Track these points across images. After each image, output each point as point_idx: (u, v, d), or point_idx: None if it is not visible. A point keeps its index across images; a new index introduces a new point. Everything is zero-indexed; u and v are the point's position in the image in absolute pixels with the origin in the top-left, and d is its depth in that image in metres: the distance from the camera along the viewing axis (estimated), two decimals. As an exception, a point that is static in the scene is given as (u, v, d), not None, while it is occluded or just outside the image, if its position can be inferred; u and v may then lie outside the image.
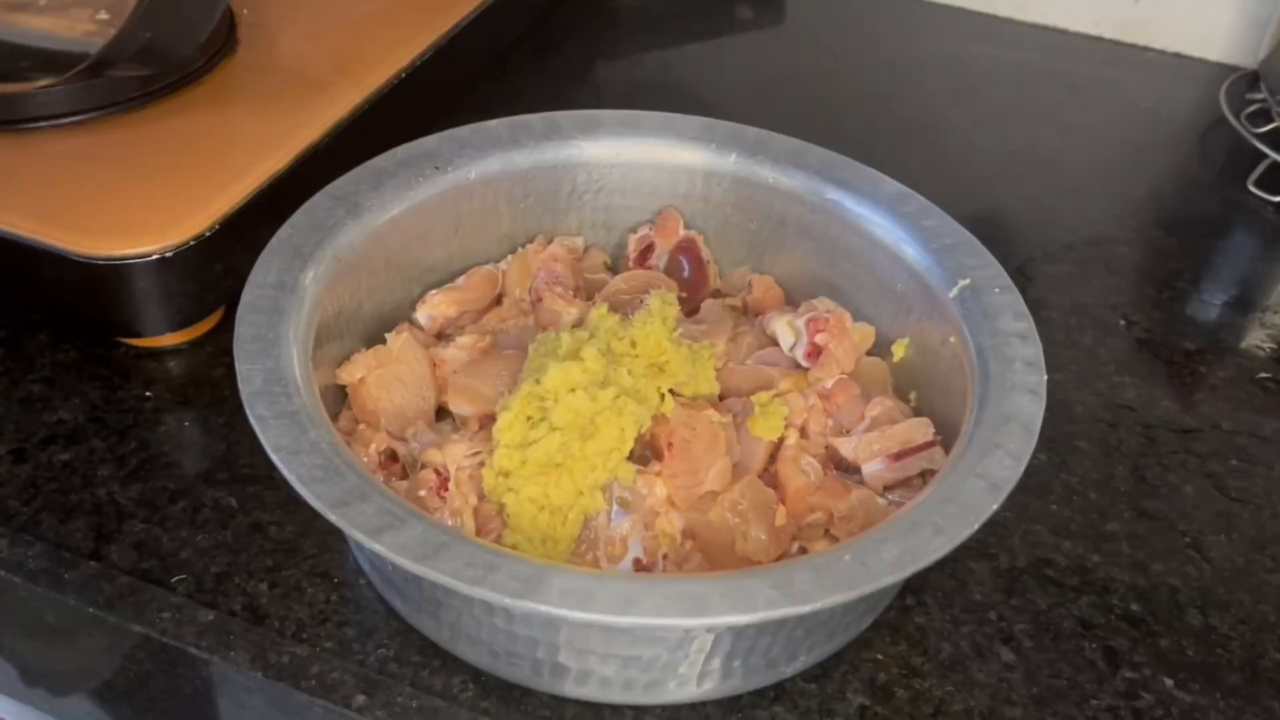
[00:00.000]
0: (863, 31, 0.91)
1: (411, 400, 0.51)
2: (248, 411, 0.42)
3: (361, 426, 0.50)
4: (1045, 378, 0.47)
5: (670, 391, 0.49)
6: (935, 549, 0.40)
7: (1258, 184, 0.75)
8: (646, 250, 0.59)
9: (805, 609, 0.38)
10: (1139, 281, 0.68)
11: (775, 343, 0.54)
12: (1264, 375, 0.63)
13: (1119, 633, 0.49)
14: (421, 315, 0.55)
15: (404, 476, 0.49)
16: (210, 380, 0.56)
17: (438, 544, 0.39)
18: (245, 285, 0.47)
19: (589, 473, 0.46)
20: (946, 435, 0.49)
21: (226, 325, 0.46)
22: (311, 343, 0.47)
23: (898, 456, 0.49)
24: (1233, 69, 0.86)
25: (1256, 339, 0.65)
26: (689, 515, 0.47)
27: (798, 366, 0.54)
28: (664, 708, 0.45)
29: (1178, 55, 0.89)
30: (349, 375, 0.51)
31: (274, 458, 0.41)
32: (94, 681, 0.53)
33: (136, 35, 0.55)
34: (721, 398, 0.52)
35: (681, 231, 0.59)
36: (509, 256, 0.58)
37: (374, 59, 0.66)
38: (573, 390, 0.46)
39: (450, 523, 0.46)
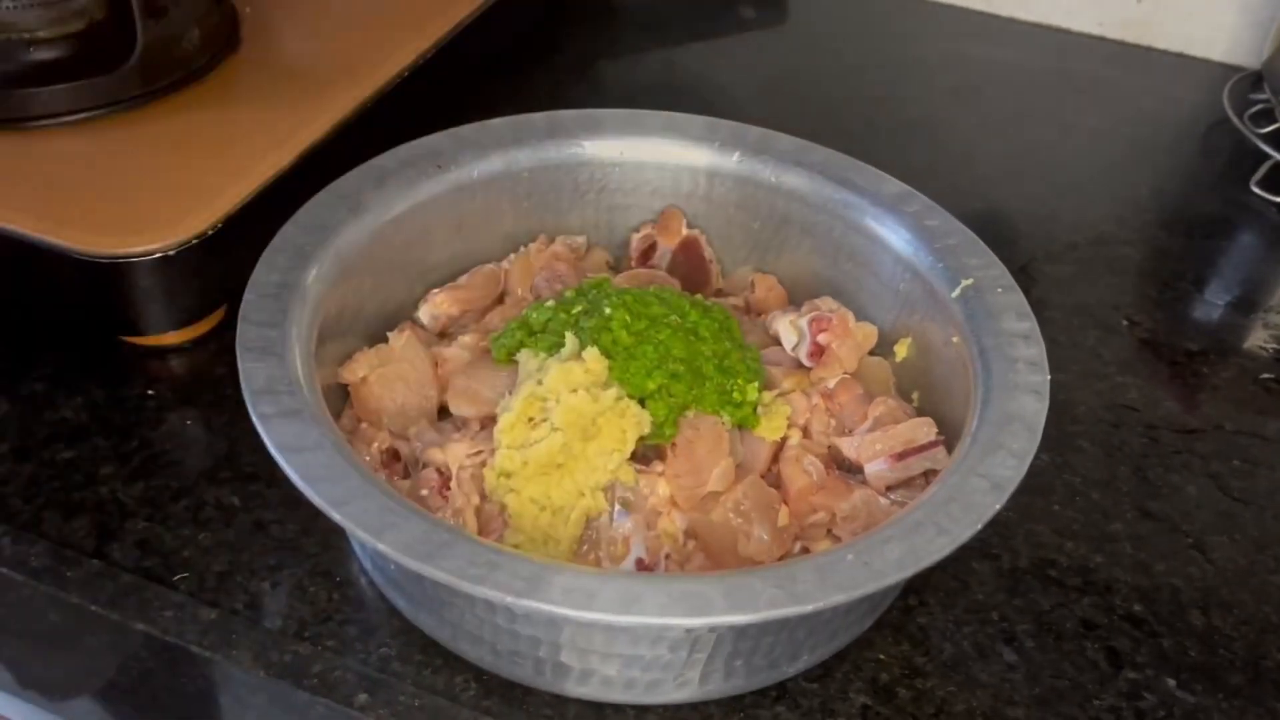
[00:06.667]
0: (865, 31, 0.90)
1: (414, 399, 0.51)
2: (250, 410, 0.42)
3: (364, 425, 0.50)
4: (1048, 378, 0.47)
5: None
6: (938, 549, 0.40)
7: (1261, 184, 0.75)
8: (649, 249, 0.59)
9: (808, 609, 0.38)
10: (1141, 282, 0.68)
11: (778, 342, 0.54)
12: (1266, 376, 0.62)
13: (1121, 633, 0.49)
14: (424, 314, 0.55)
15: (406, 475, 0.49)
16: (213, 379, 0.56)
17: (440, 543, 0.39)
18: (248, 283, 0.47)
19: (590, 473, 0.46)
20: (949, 435, 0.49)
21: (229, 323, 0.46)
22: (314, 341, 0.47)
23: (900, 456, 0.49)
24: (1236, 69, 0.86)
25: (1259, 339, 0.65)
26: (691, 515, 0.47)
27: (800, 366, 0.53)
28: (666, 707, 0.45)
29: (1180, 55, 0.89)
30: (351, 374, 0.51)
31: (276, 456, 0.41)
32: (96, 680, 0.53)
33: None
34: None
35: (684, 231, 0.59)
36: (511, 255, 0.58)
37: (377, 57, 0.66)
38: (574, 391, 0.46)
39: (452, 522, 0.46)
